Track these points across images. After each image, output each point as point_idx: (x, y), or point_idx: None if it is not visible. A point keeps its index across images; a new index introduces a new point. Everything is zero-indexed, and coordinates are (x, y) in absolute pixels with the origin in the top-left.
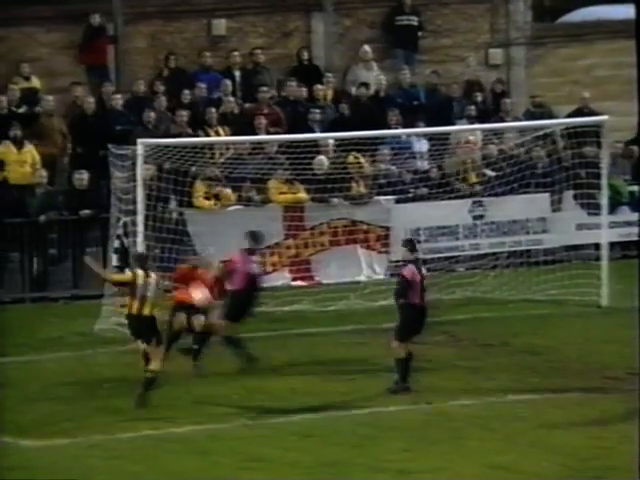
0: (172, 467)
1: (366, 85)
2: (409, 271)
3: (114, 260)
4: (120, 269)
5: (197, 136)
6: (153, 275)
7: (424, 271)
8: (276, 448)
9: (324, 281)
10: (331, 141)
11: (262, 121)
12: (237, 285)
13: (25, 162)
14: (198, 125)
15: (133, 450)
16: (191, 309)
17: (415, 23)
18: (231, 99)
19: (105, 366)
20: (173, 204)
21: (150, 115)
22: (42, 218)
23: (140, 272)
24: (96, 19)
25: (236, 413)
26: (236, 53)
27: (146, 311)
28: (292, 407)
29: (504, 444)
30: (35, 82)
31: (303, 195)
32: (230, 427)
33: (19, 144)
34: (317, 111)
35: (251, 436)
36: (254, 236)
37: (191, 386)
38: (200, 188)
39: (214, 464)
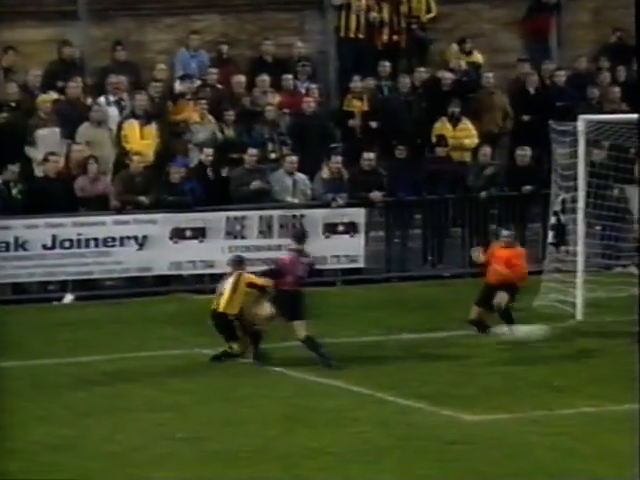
0: (611, 445)
1: None
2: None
3: (550, 237)
4: (555, 246)
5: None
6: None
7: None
8: None
9: None
10: None
11: None
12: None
13: (460, 138)
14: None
15: (572, 427)
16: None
17: None
18: None
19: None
20: (614, 182)
21: (593, 91)
22: (483, 194)
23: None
24: None
25: None
26: None
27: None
28: None
29: None
30: (477, 57)
31: None
32: None
33: (455, 120)
34: None
35: None
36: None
37: (629, 363)
38: None
39: None
